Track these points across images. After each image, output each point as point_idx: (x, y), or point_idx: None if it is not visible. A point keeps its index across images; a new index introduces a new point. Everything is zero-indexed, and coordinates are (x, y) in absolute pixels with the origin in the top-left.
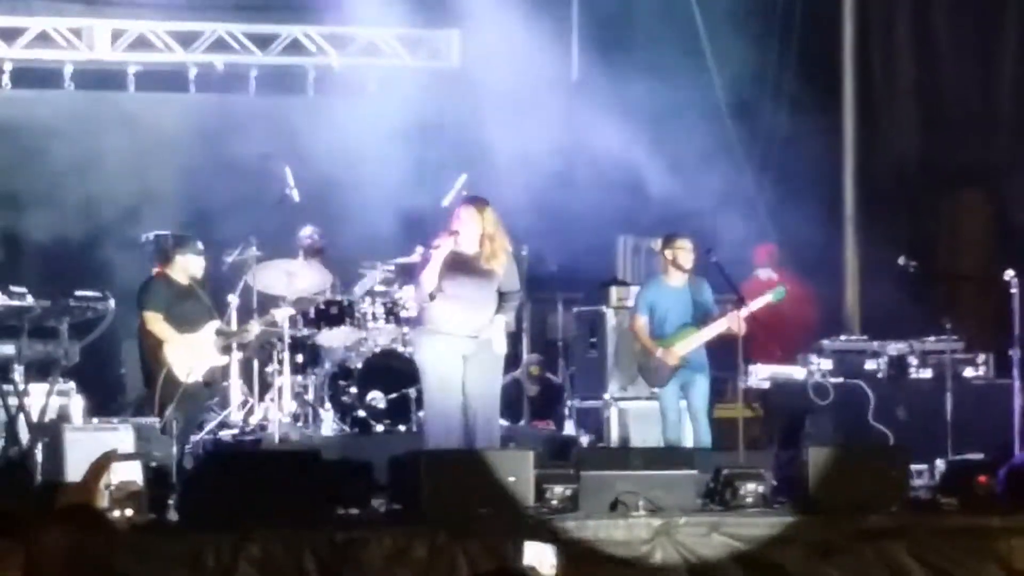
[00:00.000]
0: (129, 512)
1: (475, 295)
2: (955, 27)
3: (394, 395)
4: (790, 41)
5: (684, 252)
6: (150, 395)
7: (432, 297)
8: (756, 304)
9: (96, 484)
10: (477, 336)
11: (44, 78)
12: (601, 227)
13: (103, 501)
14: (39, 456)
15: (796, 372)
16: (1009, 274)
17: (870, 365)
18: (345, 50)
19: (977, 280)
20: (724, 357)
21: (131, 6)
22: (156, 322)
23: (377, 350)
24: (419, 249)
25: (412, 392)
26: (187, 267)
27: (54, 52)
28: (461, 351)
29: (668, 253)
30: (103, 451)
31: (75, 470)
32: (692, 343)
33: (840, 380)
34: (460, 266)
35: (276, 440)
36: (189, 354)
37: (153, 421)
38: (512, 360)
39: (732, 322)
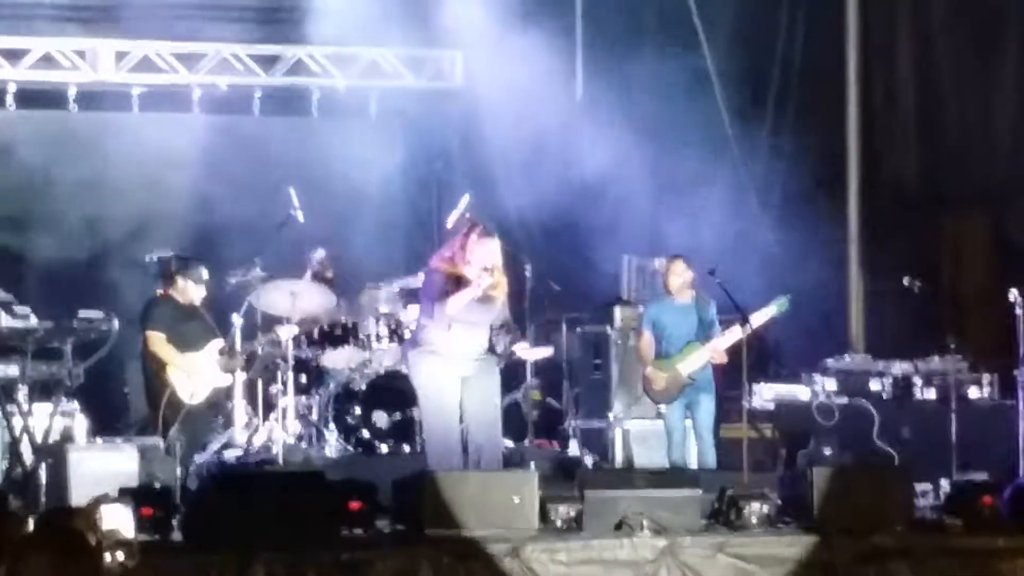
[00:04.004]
0: (120, 556)
1: (477, 319)
2: (956, 50)
3: (398, 416)
4: (793, 62)
5: (673, 276)
6: (154, 415)
7: (450, 327)
8: (759, 318)
9: (87, 525)
10: (475, 358)
11: (48, 99)
12: (605, 247)
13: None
14: (43, 477)
15: (801, 392)
16: (1013, 294)
17: (875, 385)
18: (349, 71)
19: (981, 300)
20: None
21: (134, 23)
22: (159, 343)
23: (381, 371)
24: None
25: (416, 413)
26: (187, 292)
27: (58, 73)
28: (459, 372)
29: (665, 274)
30: (102, 476)
31: (79, 491)
32: (697, 360)
33: (845, 400)
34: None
35: (280, 461)
36: (192, 375)
37: (157, 442)
38: (516, 382)
39: (735, 336)
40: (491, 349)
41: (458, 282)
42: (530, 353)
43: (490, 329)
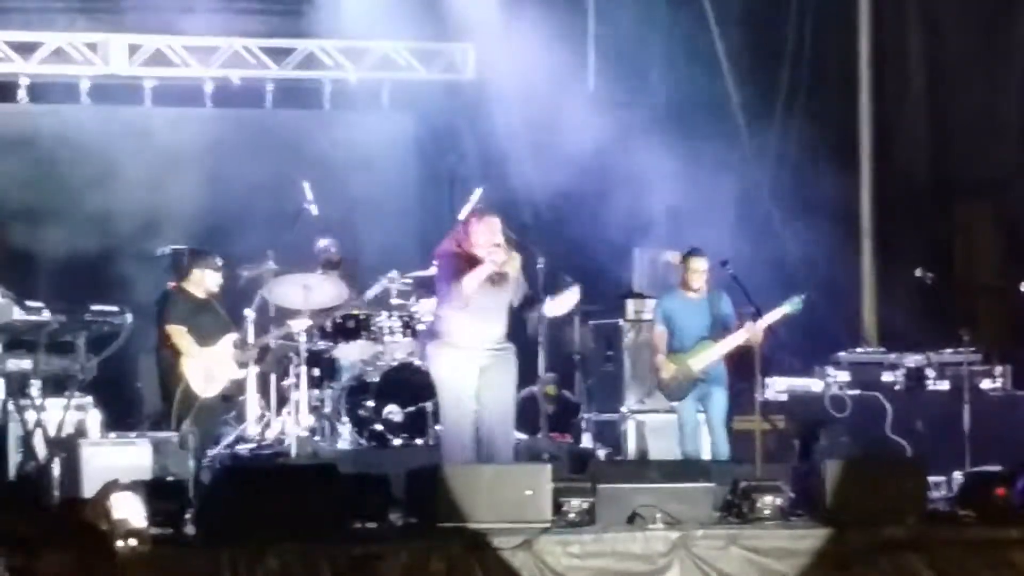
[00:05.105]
0: (133, 542)
1: (491, 304)
2: (966, 39)
3: (411, 409)
4: (804, 52)
5: (695, 273)
6: (167, 409)
7: (466, 307)
8: (772, 317)
9: (97, 515)
10: (493, 348)
11: (61, 93)
12: (617, 239)
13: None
14: (56, 471)
15: (813, 384)
16: None
17: (887, 377)
18: (360, 63)
19: (994, 291)
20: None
21: (146, 17)
22: (179, 335)
23: (394, 364)
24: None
25: (429, 406)
26: (204, 282)
27: (71, 67)
28: (477, 363)
29: (683, 270)
30: (115, 470)
31: (92, 485)
32: (709, 357)
33: (857, 392)
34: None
35: (293, 454)
36: (207, 368)
37: (170, 435)
38: (529, 375)
39: (749, 333)
40: (510, 338)
41: (470, 262)
42: (559, 305)
43: (510, 309)
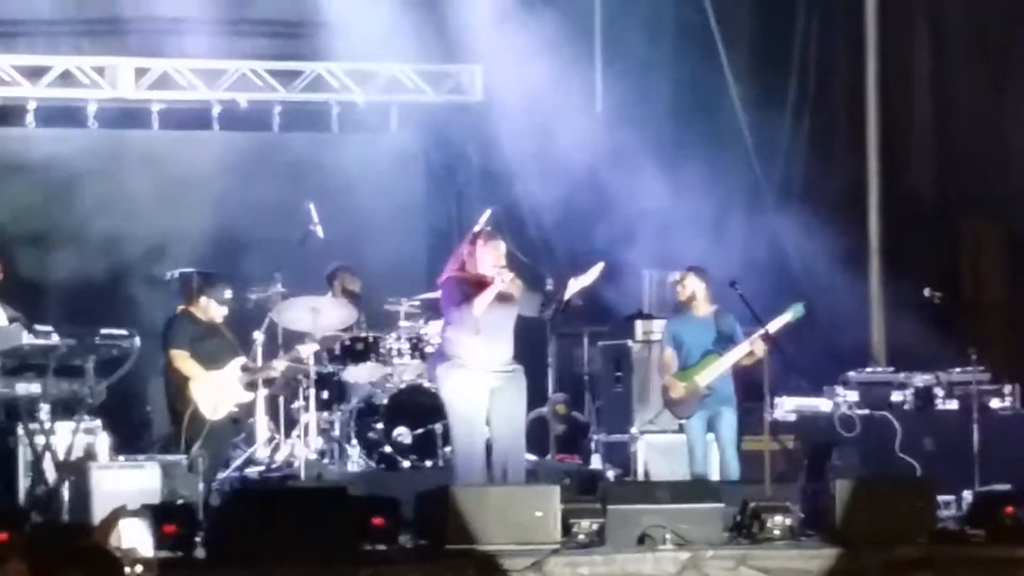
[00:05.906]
0: (139, 569)
1: (499, 325)
2: (973, 59)
3: (420, 431)
4: (811, 72)
5: (681, 288)
6: (176, 433)
7: (478, 331)
8: (775, 325)
9: (105, 540)
10: (502, 370)
11: (68, 117)
12: (626, 260)
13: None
14: (66, 495)
15: (822, 404)
16: None
17: (896, 397)
18: (368, 86)
19: (1002, 310)
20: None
21: (153, 40)
22: (182, 360)
23: (403, 386)
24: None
25: (438, 428)
26: (209, 311)
27: (78, 91)
28: (487, 385)
29: (680, 287)
30: (125, 494)
31: (101, 508)
32: (715, 371)
33: (866, 412)
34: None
35: (303, 477)
36: (215, 391)
37: (179, 459)
38: (538, 396)
39: (754, 345)
40: (519, 359)
41: (475, 284)
42: (583, 280)
43: (517, 329)
